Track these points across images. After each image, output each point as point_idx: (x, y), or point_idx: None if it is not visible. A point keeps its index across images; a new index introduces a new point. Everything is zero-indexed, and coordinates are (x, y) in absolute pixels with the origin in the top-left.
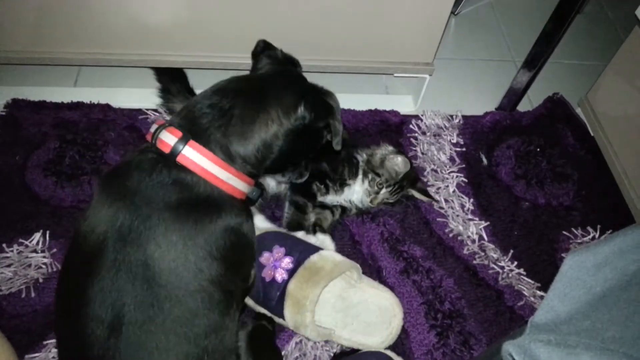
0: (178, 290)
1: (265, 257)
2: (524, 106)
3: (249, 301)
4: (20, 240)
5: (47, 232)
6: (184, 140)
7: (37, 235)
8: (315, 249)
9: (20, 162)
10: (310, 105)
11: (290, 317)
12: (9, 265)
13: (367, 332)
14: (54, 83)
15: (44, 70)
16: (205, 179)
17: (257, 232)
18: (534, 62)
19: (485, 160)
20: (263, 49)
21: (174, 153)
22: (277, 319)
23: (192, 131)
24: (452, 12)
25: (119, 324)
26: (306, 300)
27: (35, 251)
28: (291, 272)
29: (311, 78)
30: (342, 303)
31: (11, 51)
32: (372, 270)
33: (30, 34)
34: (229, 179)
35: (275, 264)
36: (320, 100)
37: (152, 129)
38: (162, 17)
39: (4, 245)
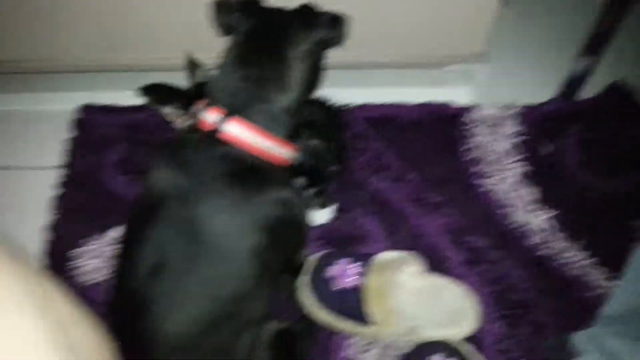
0: (216, 251)
1: (331, 271)
2: (585, 93)
3: (327, 317)
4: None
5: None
6: (226, 117)
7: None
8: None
9: (95, 162)
10: (314, 20)
11: (376, 310)
12: (95, 257)
13: (452, 321)
14: (120, 88)
15: (110, 76)
16: (249, 151)
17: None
18: (594, 47)
19: (547, 149)
20: (223, 8)
21: (216, 131)
22: (359, 329)
23: (234, 107)
24: None
25: (160, 267)
26: (387, 285)
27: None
28: (362, 275)
29: (361, 76)
30: (419, 297)
31: (83, 59)
32: (435, 262)
33: (99, 43)
34: (269, 149)
35: (344, 273)
36: (323, 14)
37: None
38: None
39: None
